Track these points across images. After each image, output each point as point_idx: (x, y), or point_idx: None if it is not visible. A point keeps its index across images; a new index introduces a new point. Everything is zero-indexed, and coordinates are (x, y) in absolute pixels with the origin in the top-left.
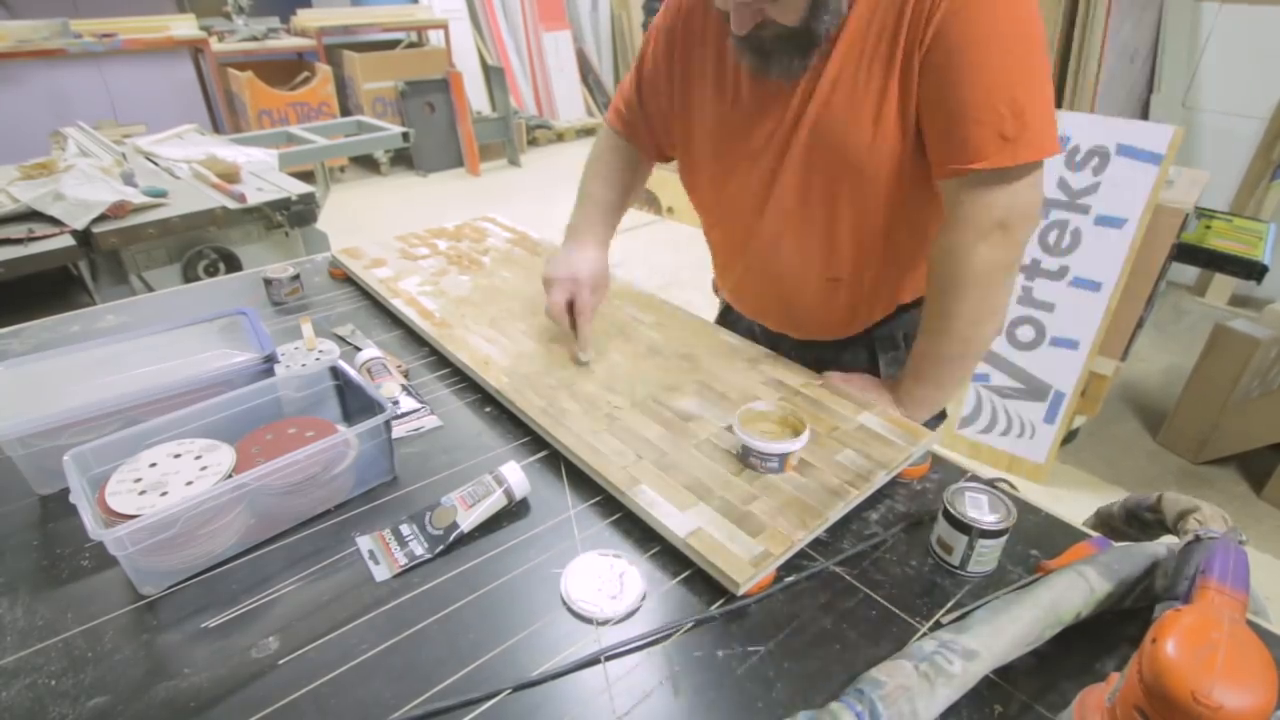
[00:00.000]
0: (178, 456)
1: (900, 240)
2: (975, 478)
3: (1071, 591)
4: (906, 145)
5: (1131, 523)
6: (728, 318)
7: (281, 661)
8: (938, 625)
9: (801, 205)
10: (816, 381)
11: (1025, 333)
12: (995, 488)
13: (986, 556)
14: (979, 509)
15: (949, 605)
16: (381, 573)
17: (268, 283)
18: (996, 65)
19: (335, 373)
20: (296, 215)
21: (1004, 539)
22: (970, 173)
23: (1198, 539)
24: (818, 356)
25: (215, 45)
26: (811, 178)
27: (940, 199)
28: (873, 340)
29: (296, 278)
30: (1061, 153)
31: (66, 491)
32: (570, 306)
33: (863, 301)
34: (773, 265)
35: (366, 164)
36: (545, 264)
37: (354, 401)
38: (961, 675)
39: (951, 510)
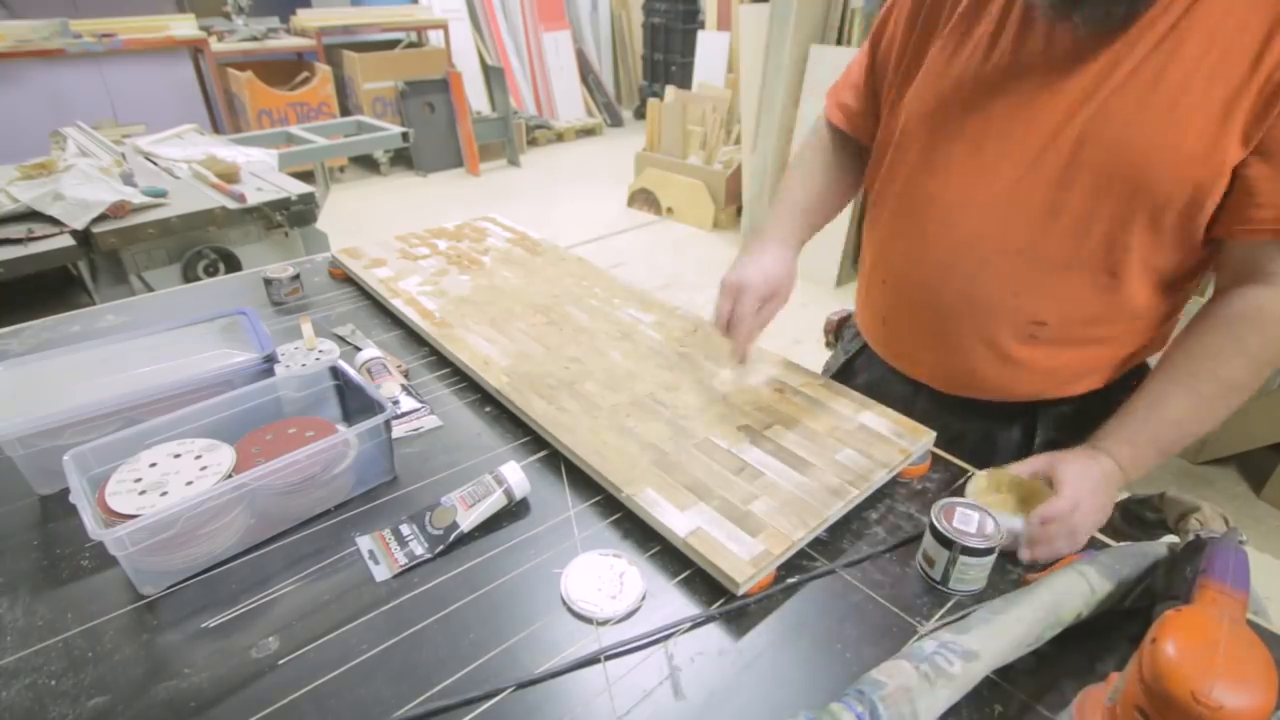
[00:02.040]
0: (178, 456)
1: (1136, 298)
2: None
3: (1072, 592)
4: (1218, 181)
5: (1131, 523)
6: (852, 366)
7: (281, 661)
8: (954, 610)
9: (1045, 225)
10: (817, 382)
11: None
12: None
13: (970, 575)
14: (966, 524)
15: (949, 605)
16: (381, 572)
17: (268, 282)
18: None
19: (335, 373)
20: (296, 215)
21: (991, 558)
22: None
23: (1198, 539)
24: (956, 419)
25: (215, 45)
26: (1074, 182)
27: (1207, 256)
28: (1036, 415)
29: (296, 278)
30: None
31: (66, 491)
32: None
33: (1058, 363)
34: (967, 289)
35: (366, 164)
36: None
37: (354, 401)
38: (962, 676)
39: (936, 523)
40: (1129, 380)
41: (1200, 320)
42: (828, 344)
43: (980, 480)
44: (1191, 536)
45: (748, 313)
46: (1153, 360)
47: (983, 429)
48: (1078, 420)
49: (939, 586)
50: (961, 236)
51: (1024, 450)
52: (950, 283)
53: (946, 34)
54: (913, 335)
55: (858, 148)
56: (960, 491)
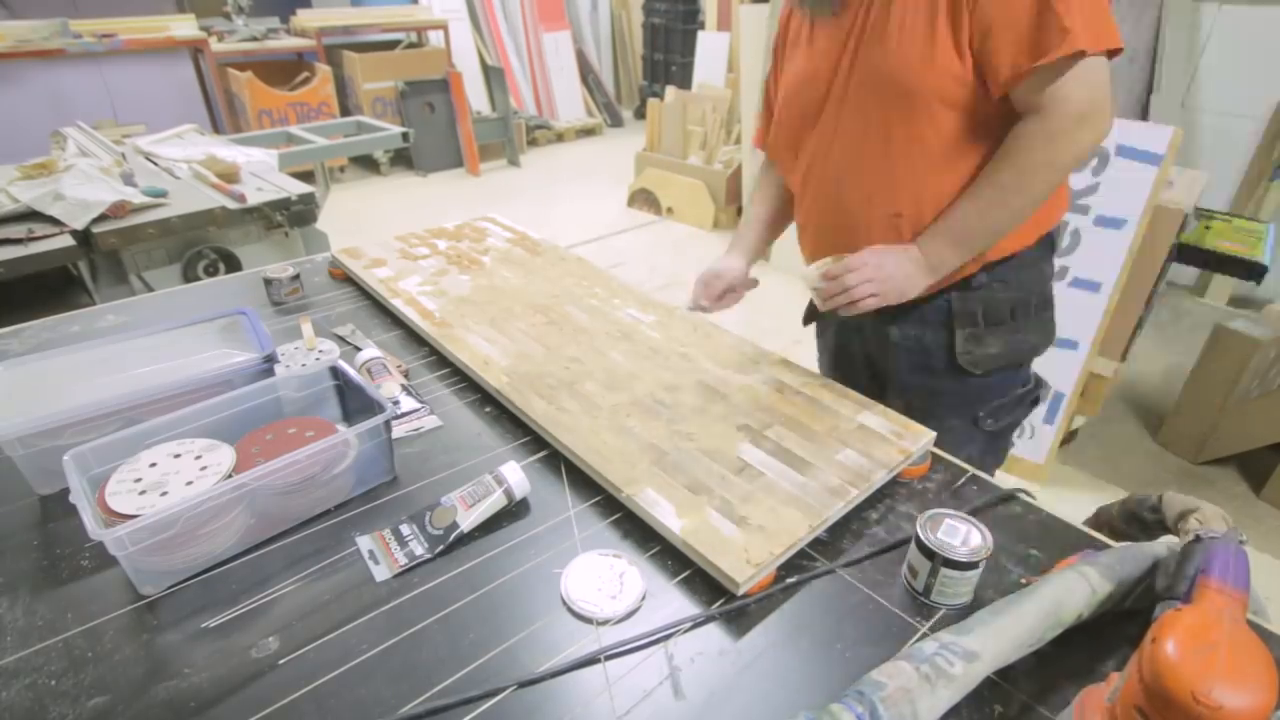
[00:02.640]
0: (178, 456)
1: (965, 179)
2: (992, 488)
3: (1073, 592)
4: (960, 71)
5: (1132, 523)
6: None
7: (281, 661)
8: (938, 626)
9: (861, 139)
10: (817, 382)
11: None
12: (974, 518)
13: (952, 588)
14: (952, 536)
15: (935, 619)
16: (381, 572)
17: (268, 282)
18: None
19: (335, 373)
20: (296, 215)
21: (975, 573)
22: (1040, 69)
23: (1198, 539)
24: (885, 325)
25: (215, 45)
26: (868, 108)
27: (1002, 135)
28: (951, 314)
29: (296, 278)
30: (1124, 47)
31: (66, 491)
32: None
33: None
34: (839, 205)
35: (366, 164)
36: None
37: (354, 401)
38: (962, 677)
39: (920, 534)
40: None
41: (998, 153)
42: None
43: (812, 271)
44: (1191, 536)
45: (718, 287)
46: None
47: (911, 329)
48: (977, 317)
49: (921, 598)
50: (828, 170)
51: (951, 345)
52: (833, 205)
53: (798, 49)
54: (826, 250)
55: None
56: (946, 500)
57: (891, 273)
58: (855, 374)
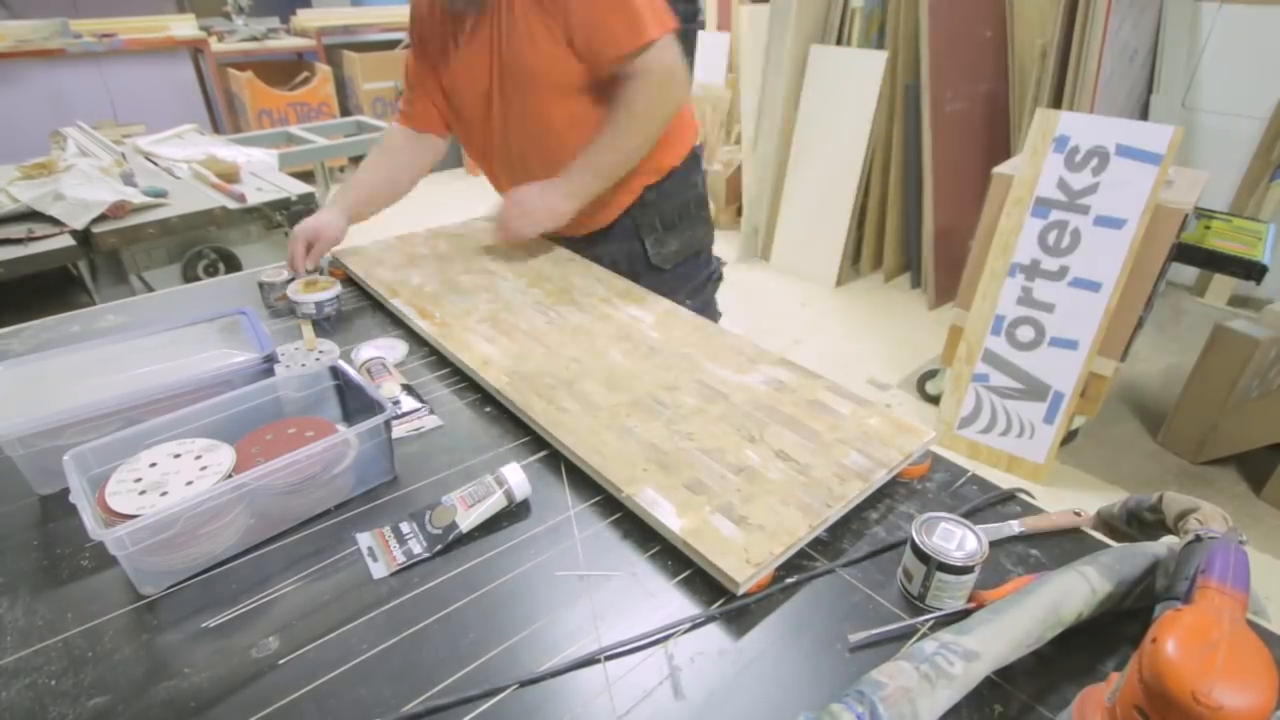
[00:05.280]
0: (178, 456)
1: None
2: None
3: (1073, 592)
4: (568, 59)
5: (1132, 523)
6: None
7: (281, 661)
8: (937, 626)
9: (523, 121)
10: (818, 382)
11: (1025, 333)
12: (970, 521)
13: (946, 593)
14: (948, 540)
15: (930, 624)
16: (379, 570)
17: (262, 286)
18: None
19: (335, 373)
20: (296, 215)
21: (970, 577)
22: (624, 57)
23: (1198, 539)
24: (594, 249)
25: (215, 45)
26: (521, 95)
27: (603, 100)
28: (637, 228)
29: (291, 280)
30: (675, 25)
31: (66, 491)
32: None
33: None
34: (529, 175)
35: None
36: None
37: (354, 401)
38: (963, 676)
39: (915, 538)
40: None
41: (610, 111)
42: None
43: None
44: (1191, 536)
45: (299, 248)
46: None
47: (607, 245)
48: (655, 224)
49: (916, 603)
50: (510, 150)
51: (643, 249)
52: (524, 176)
53: (448, 42)
54: None
55: (413, 134)
56: (946, 501)
57: (536, 204)
58: None
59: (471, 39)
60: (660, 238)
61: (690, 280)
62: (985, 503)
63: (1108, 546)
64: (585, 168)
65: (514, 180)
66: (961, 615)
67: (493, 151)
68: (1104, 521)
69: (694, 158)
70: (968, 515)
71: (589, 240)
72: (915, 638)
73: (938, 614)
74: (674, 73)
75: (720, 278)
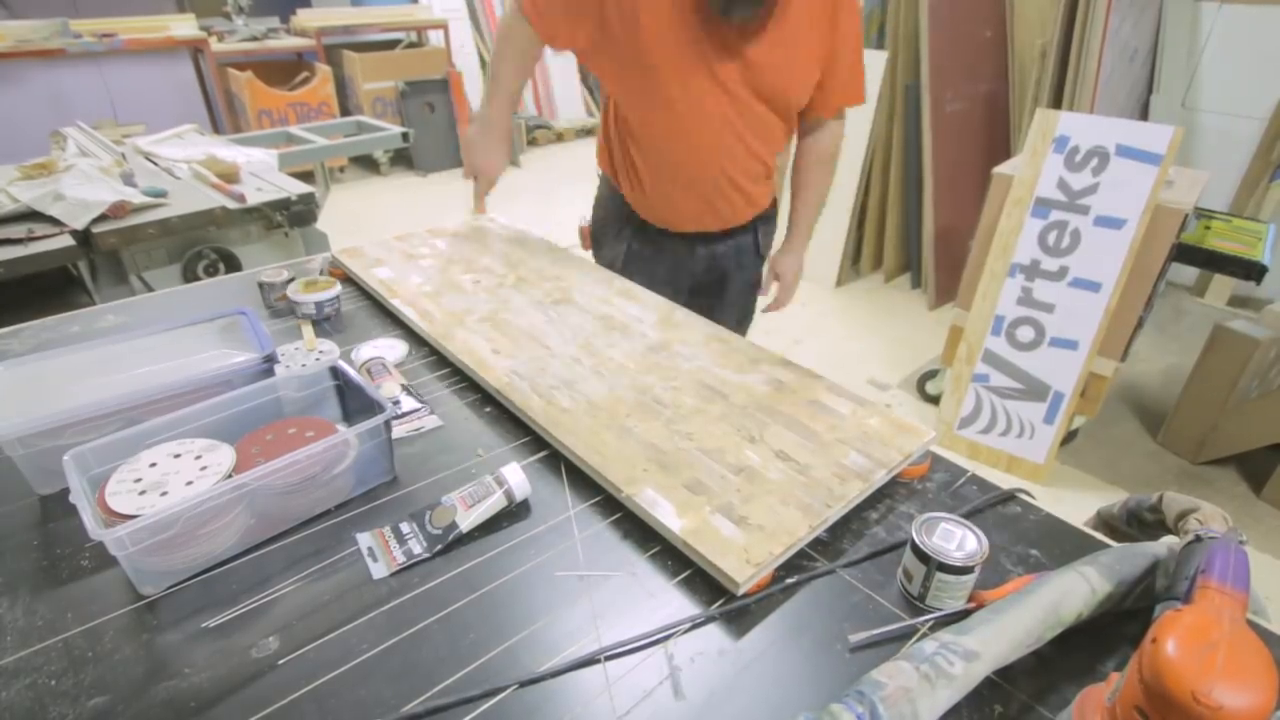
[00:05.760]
0: (178, 456)
1: (773, 155)
2: (993, 488)
3: (1073, 592)
4: (806, 87)
5: (1132, 523)
6: (631, 250)
7: (281, 661)
8: (937, 626)
9: (738, 125)
10: (818, 382)
11: (1025, 333)
12: (970, 521)
13: (946, 593)
14: (947, 541)
15: (929, 625)
16: (379, 570)
17: (262, 286)
18: (857, 33)
19: (335, 373)
20: (296, 215)
21: (970, 577)
22: (839, 109)
23: (1198, 539)
24: (720, 243)
25: (215, 45)
26: (753, 103)
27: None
28: (755, 226)
29: (290, 281)
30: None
31: (66, 491)
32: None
33: (753, 198)
34: (709, 171)
35: (366, 164)
36: (469, 138)
37: (354, 401)
38: (963, 676)
39: (916, 538)
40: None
41: (800, 160)
42: (585, 247)
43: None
44: (1191, 537)
45: (484, 188)
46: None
47: (732, 239)
48: (774, 225)
49: (916, 603)
50: (703, 141)
51: (757, 243)
52: (705, 168)
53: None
54: (687, 204)
55: (539, 44)
56: (946, 501)
57: (798, 272)
58: (666, 285)
59: (718, 27)
60: (770, 231)
61: (750, 295)
62: (985, 503)
63: (1107, 547)
64: (808, 226)
65: (649, 163)
66: (961, 615)
67: (655, 127)
68: (1104, 521)
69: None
70: (968, 515)
71: (714, 237)
72: (915, 638)
73: (938, 614)
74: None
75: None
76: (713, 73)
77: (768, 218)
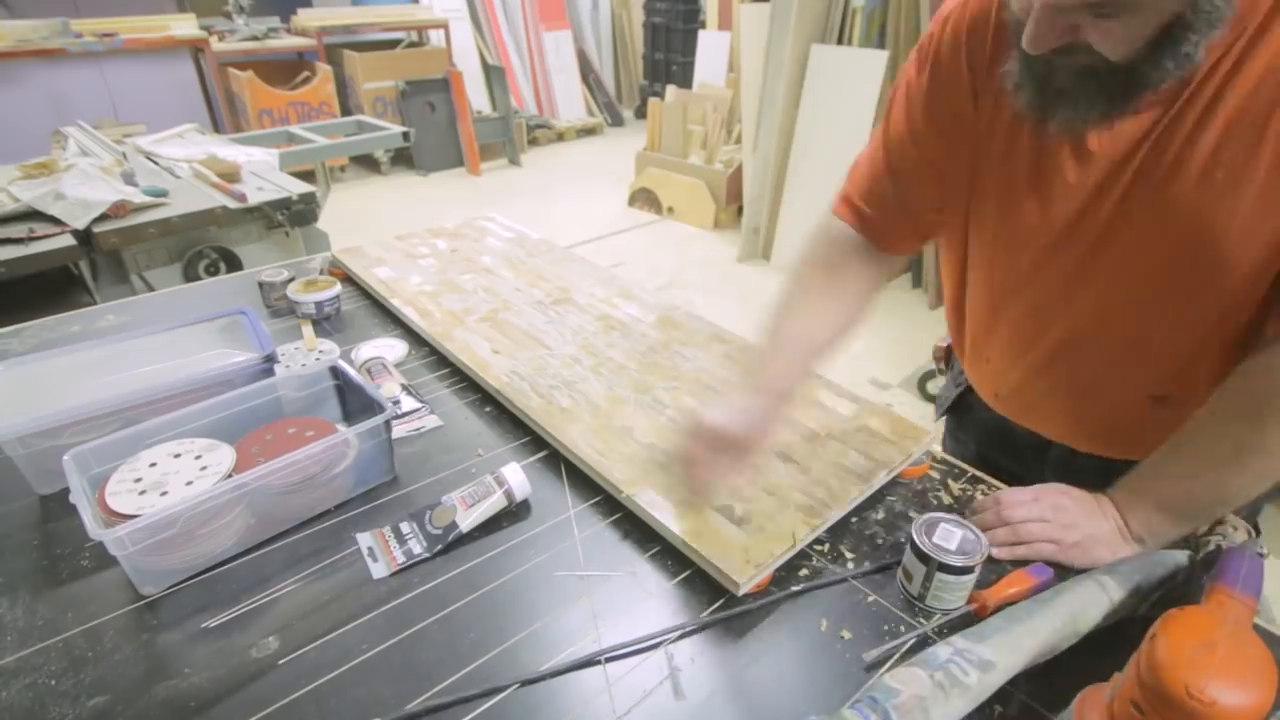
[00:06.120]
0: (178, 456)
1: (1238, 348)
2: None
3: (1091, 603)
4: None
5: None
6: (967, 411)
7: (281, 661)
8: (937, 626)
9: (1125, 302)
10: (822, 385)
11: None
12: (970, 522)
13: (946, 593)
14: (947, 541)
15: (930, 625)
16: (379, 570)
17: (262, 286)
18: None
19: (335, 373)
20: (297, 215)
21: (970, 578)
22: None
23: (1217, 548)
24: (1096, 469)
25: (215, 45)
26: (1147, 268)
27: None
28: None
29: (290, 280)
30: None
31: (66, 491)
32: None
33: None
34: (1076, 373)
35: (366, 164)
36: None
37: (354, 401)
38: (977, 687)
39: (915, 538)
40: None
41: (1233, 378)
42: (939, 371)
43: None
44: (1212, 546)
45: (707, 461)
46: None
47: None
48: None
49: (917, 603)
50: (1056, 329)
51: None
52: (1069, 368)
53: (992, 178)
54: (1053, 416)
55: (869, 250)
56: (946, 500)
57: (1079, 524)
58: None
59: (1079, 156)
60: None
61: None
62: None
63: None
64: (1158, 484)
65: (1017, 364)
66: (963, 616)
67: (1017, 316)
68: None
69: None
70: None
71: (1094, 457)
72: (912, 636)
73: (942, 619)
74: None
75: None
76: (1067, 198)
77: None
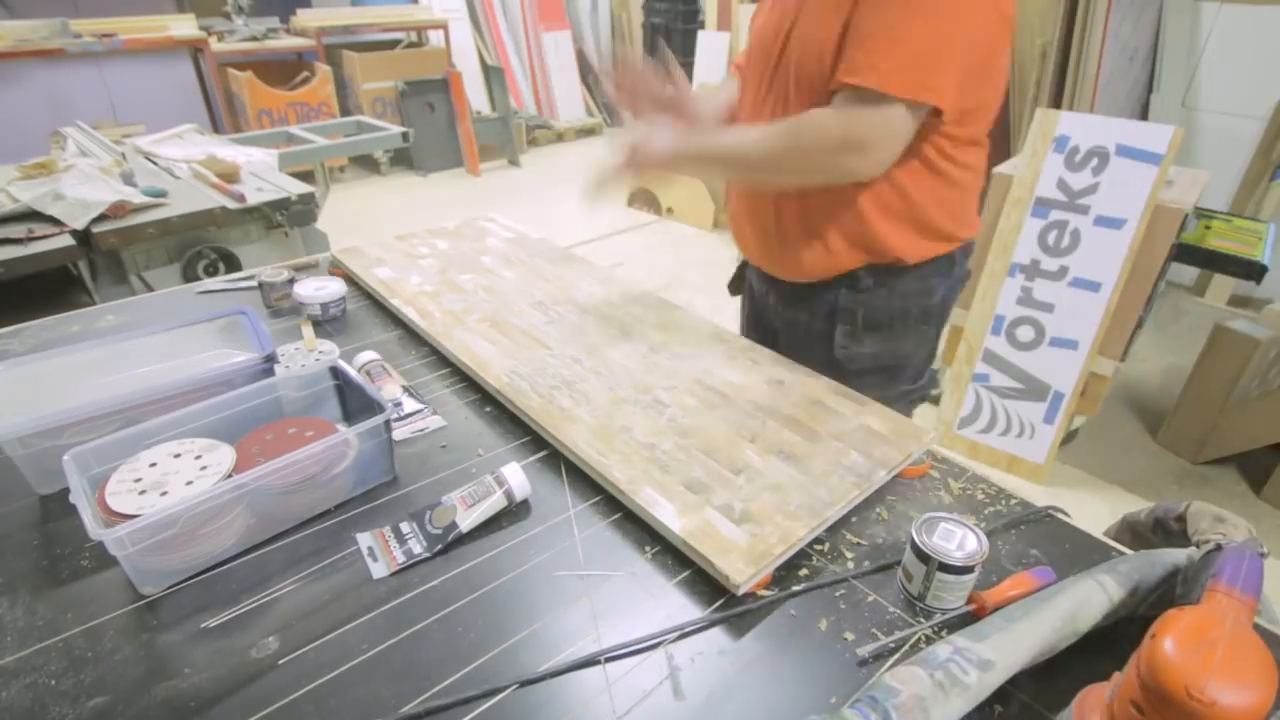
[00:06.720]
0: (178, 456)
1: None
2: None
3: (1090, 602)
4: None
5: (1158, 531)
6: (741, 277)
7: (281, 661)
8: (939, 626)
9: (783, 91)
10: (817, 382)
11: (1025, 333)
12: (970, 522)
13: (946, 593)
14: (947, 540)
15: (929, 624)
16: (379, 570)
17: (262, 286)
18: (899, 4)
19: (335, 373)
20: (296, 215)
21: (970, 577)
22: (846, 87)
23: (1218, 547)
24: (790, 308)
25: (215, 45)
26: (792, 88)
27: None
28: (835, 309)
29: (291, 281)
30: (943, 105)
31: (66, 491)
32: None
33: (813, 231)
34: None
35: (366, 164)
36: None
37: (354, 401)
38: (976, 686)
39: (916, 538)
40: None
41: (802, 115)
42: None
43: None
44: (1211, 545)
45: (662, 91)
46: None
47: (800, 314)
48: (857, 317)
49: (917, 603)
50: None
51: (830, 334)
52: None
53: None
54: (738, 223)
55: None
56: (946, 500)
57: (662, 139)
58: (766, 342)
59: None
60: (854, 333)
61: (876, 391)
62: (1021, 519)
63: (1109, 548)
64: (711, 139)
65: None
66: (962, 616)
67: (745, 106)
68: (1129, 528)
69: (943, 264)
70: (1007, 528)
71: (793, 294)
72: (912, 634)
73: (940, 618)
74: (869, 144)
75: (923, 398)
76: (771, 21)
77: (855, 303)
